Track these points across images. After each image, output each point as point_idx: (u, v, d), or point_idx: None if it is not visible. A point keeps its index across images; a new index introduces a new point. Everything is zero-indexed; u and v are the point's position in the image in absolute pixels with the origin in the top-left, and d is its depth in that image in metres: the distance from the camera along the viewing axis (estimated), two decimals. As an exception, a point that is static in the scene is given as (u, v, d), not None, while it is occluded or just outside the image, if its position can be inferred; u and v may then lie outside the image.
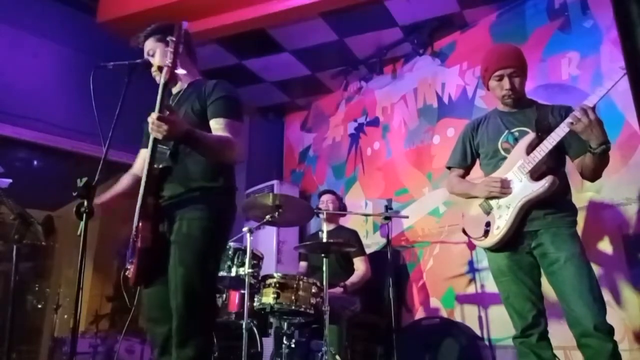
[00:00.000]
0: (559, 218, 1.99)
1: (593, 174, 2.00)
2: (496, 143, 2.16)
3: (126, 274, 1.76)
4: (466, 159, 2.33)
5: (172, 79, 1.72)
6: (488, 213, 2.10)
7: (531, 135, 2.03)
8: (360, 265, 3.49)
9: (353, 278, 3.40)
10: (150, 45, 1.98)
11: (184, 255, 1.73)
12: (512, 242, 2.04)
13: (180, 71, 1.88)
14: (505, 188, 2.04)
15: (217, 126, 1.83)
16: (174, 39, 1.71)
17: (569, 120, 1.87)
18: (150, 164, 1.72)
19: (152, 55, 1.97)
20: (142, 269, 1.74)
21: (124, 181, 2.05)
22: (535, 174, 1.99)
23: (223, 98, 1.87)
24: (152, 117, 1.60)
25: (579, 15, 3.31)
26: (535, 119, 2.06)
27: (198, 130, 1.72)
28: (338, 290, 3.21)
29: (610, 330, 1.81)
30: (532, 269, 2.03)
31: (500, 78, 2.12)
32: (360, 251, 3.54)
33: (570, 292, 1.87)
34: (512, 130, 2.12)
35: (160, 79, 1.71)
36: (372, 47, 4.33)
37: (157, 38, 1.96)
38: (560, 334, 2.14)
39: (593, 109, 1.84)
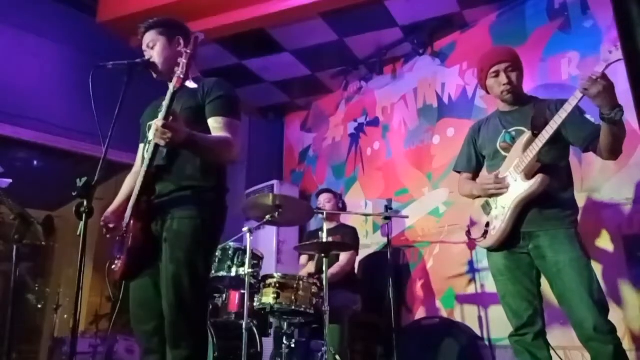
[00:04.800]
0: (557, 218, 1.97)
1: (612, 149, 1.89)
2: (495, 144, 2.17)
3: (112, 267, 1.78)
4: (471, 162, 2.34)
5: (182, 88, 1.68)
6: (488, 214, 2.12)
7: (527, 134, 2.03)
8: (342, 257, 3.43)
9: (332, 269, 3.28)
10: (151, 37, 1.96)
11: (175, 254, 1.72)
12: (510, 242, 2.04)
13: (190, 84, 1.87)
14: (499, 185, 2.04)
15: (216, 125, 1.81)
16: (188, 51, 1.66)
17: (582, 85, 1.74)
18: (149, 167, 1.71)
19: (152, 48, 1.94)
20: (130, 266, 1.76)
21: (130, 182, 2.05)
22: (530, 173, 1.98)
23: (222, 97, 1.85)
24: (157, 124, 1.58)
25: (579, 15, 3.31)
26: (532, 116, 2.03)
27: (197, 133, 1.71)
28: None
29: (611, 330, 1.81)
30: (531, 269, 2.03)
31: (497, 74, 2.12)
32: (349, 247, 3.39)
33: (569, 296, 1.87)
34: (510, 130, 2.12)
35: (170, 86, 1.66)
36: (372, 47, 4.32)
37: (160, 32, 1.95)
38: (560, 334, 2.13)
39: (603, 74, 1.73)
